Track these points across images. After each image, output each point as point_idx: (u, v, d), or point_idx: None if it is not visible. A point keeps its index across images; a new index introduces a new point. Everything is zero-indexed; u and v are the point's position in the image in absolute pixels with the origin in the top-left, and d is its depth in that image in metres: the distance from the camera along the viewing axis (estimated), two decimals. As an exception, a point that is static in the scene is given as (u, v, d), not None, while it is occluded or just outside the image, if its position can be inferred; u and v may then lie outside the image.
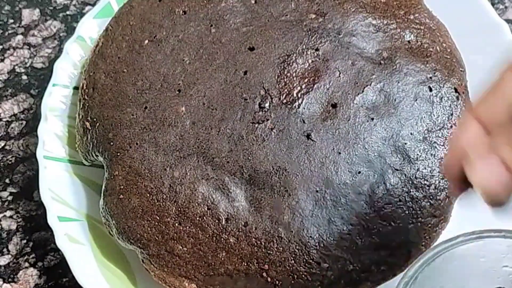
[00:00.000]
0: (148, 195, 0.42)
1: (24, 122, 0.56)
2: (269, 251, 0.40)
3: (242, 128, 0.43)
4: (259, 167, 0.42)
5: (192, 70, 0.46)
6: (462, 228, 0.45)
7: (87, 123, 0.47)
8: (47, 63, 0.58)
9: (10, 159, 0.54)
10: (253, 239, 0.41)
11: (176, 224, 0.42)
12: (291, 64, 0.44)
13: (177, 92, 0.45)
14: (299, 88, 0.43)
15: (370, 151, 0.42)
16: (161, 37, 0.48)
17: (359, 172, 0.42)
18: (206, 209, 0.41)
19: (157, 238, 0.42)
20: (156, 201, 0.42)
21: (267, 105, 0.43)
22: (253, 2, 0.48)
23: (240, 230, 0.41)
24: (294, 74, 0.44)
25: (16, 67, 0.58)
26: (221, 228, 0.41)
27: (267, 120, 0.43)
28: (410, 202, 0.42)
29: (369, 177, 0.42)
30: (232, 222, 0.41)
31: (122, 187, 0.43)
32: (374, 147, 0.43)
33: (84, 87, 0.49)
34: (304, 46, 0.45)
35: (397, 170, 0.42)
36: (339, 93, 0.44)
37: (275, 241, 0.40)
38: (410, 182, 0.42)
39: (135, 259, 0.44)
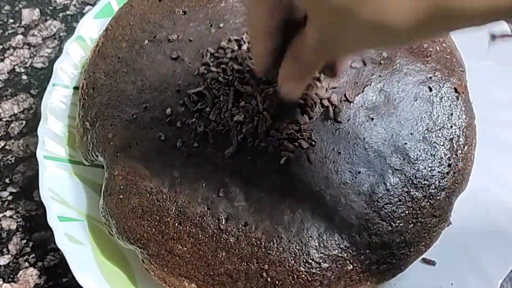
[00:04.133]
0: (148, 195, 0.42)
1: (24, 122, 0.56)
2: (269, 251, 0.40)
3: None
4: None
5: (192, 70, 0.46)
6: (462, 228, 0.46)
7: (87, 123, 0.47)
8: (47, 63, 0.58)
9: (10, 159, 0.54)
10: (253, 239, 0.41)
11: (176, 224, 0.42)
12: (291, 64, 0.44)
13: (177, 92, 0.45)
14: (299, 88, 0.43)
15: (370, 151, 0.42)
16: (161, 37, 0.48)
17: (359, 172, 0.42)
18: (206, 209, 0.41)
19: (157, 238, 0.42)
20: (156, 201, 0.42)
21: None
22: (253, 2, 0.48)
23: (240, 230, 0.41)
24: (294, 74, 0.44)
25: (16, 67, 0.58)
26: (221, 228, 0.41)
27: (267, 120, 0.43)
28: (410, 202, 0.42)
29: (369, 177, 0.42)
30: (232, 222, 0.41)
31: (122, 187, 0.43)
32: (374, 147, 0.43)
33: (84, 87, 0.49)
34: (304, 46, 0.45)
35: (397, 170, 0.42)
36: (339, 93, 0.44)
37: (275, 241, 0.40)
38: (410, 182, 0.42)
39: (135, 259, 0.44)
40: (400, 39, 0.27)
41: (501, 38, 0.31)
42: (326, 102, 0.43)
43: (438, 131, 0.44)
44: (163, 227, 0.42)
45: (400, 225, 0.41)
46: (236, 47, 0.45)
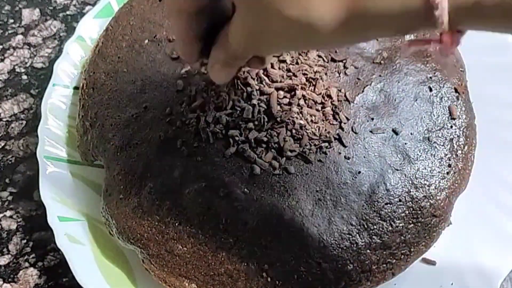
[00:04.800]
0: (148, 195, 0.42)
1: (24, 122, 0.56)
2: (269, 251, 0.40)
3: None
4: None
5: (192, 69, 0.46)
6: (462, 228, 0.46)
7: (87, 123, 0.47)
8: (47, 63, 0.58)
9: (10, 159, 0.54)
10: (253, 239, 0.41)
11: (176, 224, 0.42)
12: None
13: (177, 92, 0.45)
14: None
15: (370, 151, 0.42)
16: (161, 37, 0.48)
17: (359, 172, 0.42)
18: (206, 209, 0.41)
19: (157, 238, 0.42)
20: (156, 201, 0.42)
21: (267, 105, 0.43)
22: (253, 2, 0.48)
23: (240, 230, 0.41)
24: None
25: (16, 67, 0.58)
26: (221, 228, 0.41)
27: (267, 120, 0.43)
28: (410, 202, 0.42)
29: (369, 177, 0.42)
30: (232, 222, 0.41)
31: (122, 187, 0.43)
32: (374, 147, 0.43)
33: (84, 87, 0.49)
34: (304, 46, 0.45)
35: (397, 170, 0.42)
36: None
37: (275, 241, 0.40)
38: (410, 182, 0.42)
39: (135, 259, 0.44)
40: (323, 38, 0.27)
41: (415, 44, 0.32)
42: (327, 103, 0.43)
43: (438, 131, 0.44)
44: (163, 227, 0.42)
45: (400, 225, 0.41)
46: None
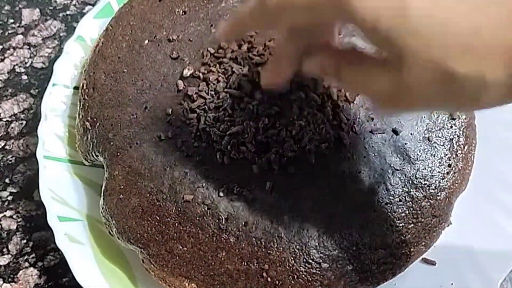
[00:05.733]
0: (148, 195, 0.42)
1: (24, 122, 0.56)
2: (269, 251, 0.40)
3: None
4: (259, 167, 0.42)
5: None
6: (462, 228, 0.46)
7: (87, 123, 0.47)
8: (47, 63, 0.58)
9: (10, 159, 0.54)
10: (253, 239, 0.41)
11: (176, 224, 0.42)
12: (291, 64, 0.44)
13: (177, 92, 0.45)
14: (299, 88, 0.43)
15: (370, 151, 0.42)
16: (161, 37, 0.48)
17: (359, 172, 0.42)
18: (206, 209, 0.41)
19: (157, 238, 0.42)
20: (156, 201, 0.42)
21: (267, 105, 0.43)
22: (253, 2, 0.48)
23: (240, 230, 0.41)
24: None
25: (16, 67, 0.58)
26: (221, 228, 0.41)
27: (267, 120, 0.43)
28: (410, 202, 0.42)
29: (369, 177, 0.42)
30: (232, 222, 0.41)
31: (122, 187, 0.43)
32: (374, 147, 0.43)
33: (84, 87, 0.49)
34: (304, 46, 0.45)
35: (397, 170, 0.42)
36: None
37: (275, 241, 0.40)
38: (410, 182, 0.42)
39: (135, 259, 0.44)
40: (487, 102, 0.27)
41: None
42: (327, 103, 0.43)
43: (438, 131, 0.44)
44: (163, 227, 0.42)
45: (400, 225, 0.41)
46: (236, 47, 0.45)
